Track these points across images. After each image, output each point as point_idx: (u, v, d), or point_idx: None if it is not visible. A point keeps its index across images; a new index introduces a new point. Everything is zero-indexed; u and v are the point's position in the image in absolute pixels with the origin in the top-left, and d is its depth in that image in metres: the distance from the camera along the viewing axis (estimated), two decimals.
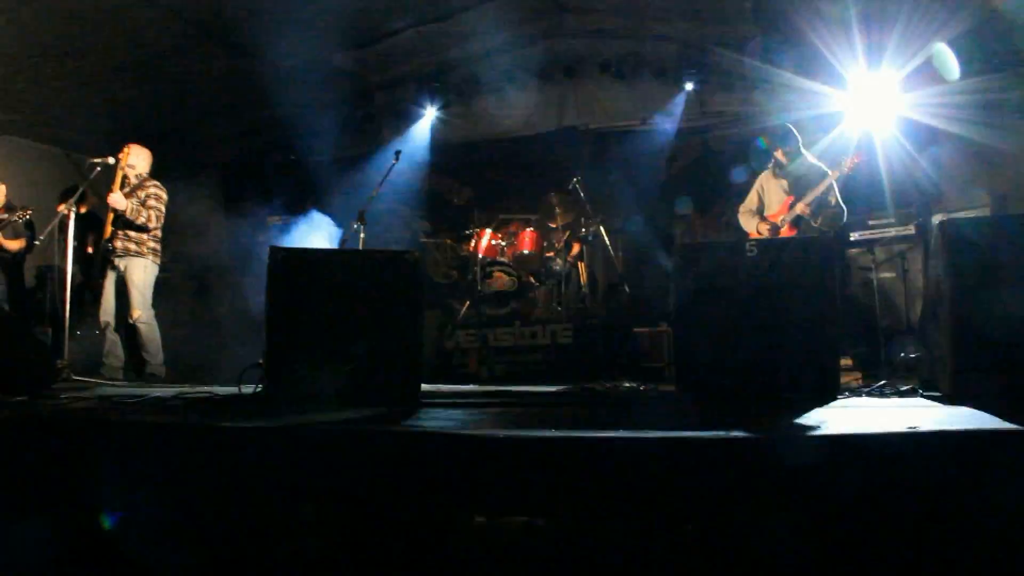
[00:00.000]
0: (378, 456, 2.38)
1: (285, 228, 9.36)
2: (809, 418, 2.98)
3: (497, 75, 8.99)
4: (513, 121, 8.97)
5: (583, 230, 8.15)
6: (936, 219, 6.40)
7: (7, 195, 7.84)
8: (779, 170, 6.76)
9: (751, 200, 6.96)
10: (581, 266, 8.39)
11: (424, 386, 4.30)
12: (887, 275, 7.16)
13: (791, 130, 6.69)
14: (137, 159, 6.90)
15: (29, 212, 7.47)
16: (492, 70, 9.00)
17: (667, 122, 8.56)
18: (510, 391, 4.88)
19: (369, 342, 3.84)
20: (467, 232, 8.23)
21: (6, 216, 7.44)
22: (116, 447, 2.50)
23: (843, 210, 6.43)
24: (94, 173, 6.61)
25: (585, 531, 2.09)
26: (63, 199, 7.17)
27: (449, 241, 8.32)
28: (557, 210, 8.32)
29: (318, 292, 3.90)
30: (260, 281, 4.11)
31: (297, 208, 9.42)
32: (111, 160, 6.64)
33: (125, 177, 6.85)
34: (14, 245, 7.71)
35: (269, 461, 2.39)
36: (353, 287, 3.94)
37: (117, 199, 6.55)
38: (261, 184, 10.02)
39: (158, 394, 4.45)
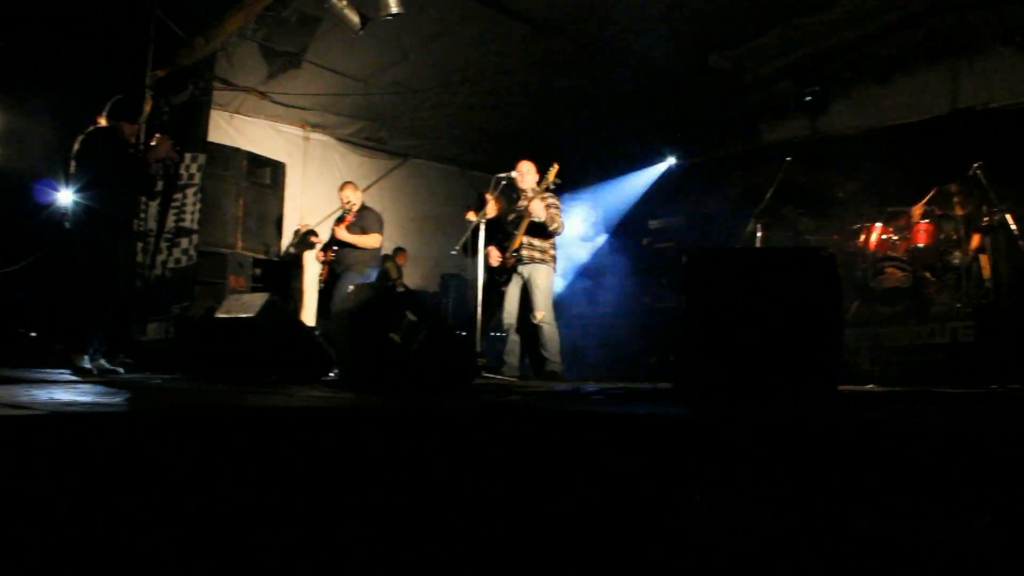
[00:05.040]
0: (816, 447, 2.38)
1: None
2: None
3: (879, 61, 8.54)
4: (900, 107, 8.46)
5: (985, 219, 7.46)
6: None
7: (362, 200, 8.61)
8: None
9: None
10: (983, 259, 7.69)
11: None
12: None
13: None
14: (529, 173, 7.42)
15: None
16: (873, 56, 8.57)
17: None
18: (929, 391, 4.65)
19: (783, 338, 3.87)
20: (854, 227, 7.92)
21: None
22: (562, 436, 2.76)
23: None
24: (499, 187, 7.24)
25: None
26: (472, 210, 7.89)
27: (835, 237, 8.05)
28: (955, 199, 7.71)
29: (731, 290, 4.00)
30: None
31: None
32: (513, 174, 7.23)
33: (521, 190, 7.39)
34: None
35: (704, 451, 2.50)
36: (766, 284, 3.99)
37: (537, 207, 7.02)
38: None
39: (588, 389, 4.84)
